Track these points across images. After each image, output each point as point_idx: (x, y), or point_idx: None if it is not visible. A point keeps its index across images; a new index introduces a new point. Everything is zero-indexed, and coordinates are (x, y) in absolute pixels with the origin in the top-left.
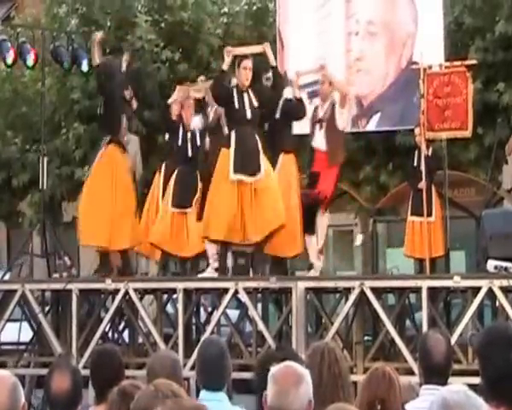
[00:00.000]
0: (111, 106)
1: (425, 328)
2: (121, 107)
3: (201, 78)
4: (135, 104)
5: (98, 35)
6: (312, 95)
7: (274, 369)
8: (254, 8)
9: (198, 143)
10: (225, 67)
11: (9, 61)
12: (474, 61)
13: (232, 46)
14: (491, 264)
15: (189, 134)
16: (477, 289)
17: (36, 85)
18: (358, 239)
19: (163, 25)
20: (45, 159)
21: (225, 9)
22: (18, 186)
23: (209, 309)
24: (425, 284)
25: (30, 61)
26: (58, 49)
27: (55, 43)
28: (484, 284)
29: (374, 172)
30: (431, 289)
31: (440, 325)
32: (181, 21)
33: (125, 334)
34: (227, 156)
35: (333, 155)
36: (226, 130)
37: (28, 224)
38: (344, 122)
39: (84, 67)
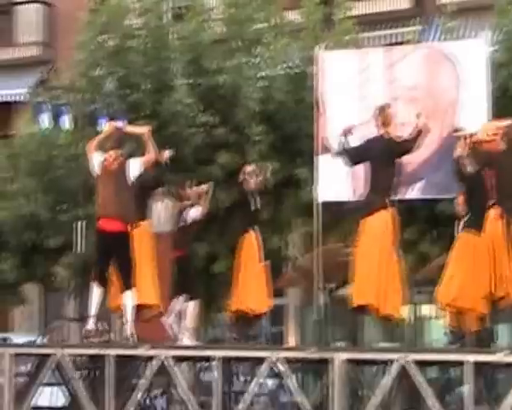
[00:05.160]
0: None
1: (469, 403)
2: None
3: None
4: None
5: None
6: None
7: None
8: (293, 72)
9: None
10: None
11: (45, 124)
12: None
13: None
14: None
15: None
16: None
17: (71, 149)
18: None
19: (200, 88)
20: (80, 223)
21: (263, 73)
22: (51, 248)
23: (243, 378)
24: (469, 358)
25: (66, 124)
26: (94, 111)
27: (92, 106)
28: None
29: (414, 240)
30: (476, 364)
31: (485, 400)
32: (218, 85)
33: (161, 401)
34: None
35: None
36: None
37: (63, 286)
38: None
39: None
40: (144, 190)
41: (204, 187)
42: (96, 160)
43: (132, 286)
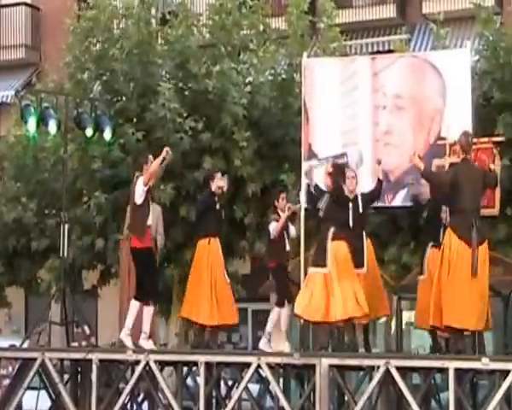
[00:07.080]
0: None
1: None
2: None
3: None
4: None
5: None
6: None
7: None
8: (279, 78)
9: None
10: None
11: (32, 127)
12: (501, 138)
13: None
14: None
15: (350, 204)
16: (506, 372)
17: (58, 152)
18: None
19: (187, 93)
20: (66, 226)
21: (250, 79)
22: (37, 251)
23: (229, 383)
24: (452, 364)
25: (52, 127)
26: (81, 115)
27: (79, 110)
28: None
29: (398, 252)
30: (458, 370)
31: (467, 407)
32: (205, 90)
33: (145, 406)
34: None
35: None
36: None
37: (46, 289)
38: None
39: (107, 134)
40: (205, 209)
41: (295, 207)
42: None
43: (149, 302)
